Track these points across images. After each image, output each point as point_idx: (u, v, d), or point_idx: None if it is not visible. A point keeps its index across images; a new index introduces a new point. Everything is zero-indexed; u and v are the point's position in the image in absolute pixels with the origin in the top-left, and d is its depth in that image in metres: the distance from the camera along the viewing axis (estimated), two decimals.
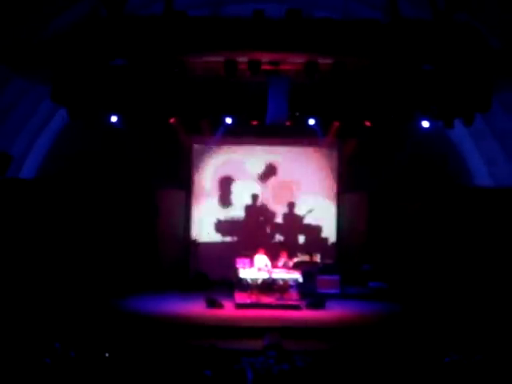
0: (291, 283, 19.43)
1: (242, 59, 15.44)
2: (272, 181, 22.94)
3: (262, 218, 22.94)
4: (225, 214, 22.99)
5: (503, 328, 15.81)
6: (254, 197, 22.91)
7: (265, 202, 22.96)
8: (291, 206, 22.93)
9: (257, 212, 22.97)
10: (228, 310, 18.46)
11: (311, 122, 19.13)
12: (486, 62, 14.98)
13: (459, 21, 14.77)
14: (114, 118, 18.19)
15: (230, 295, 19.49)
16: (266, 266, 19.43)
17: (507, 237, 19.15)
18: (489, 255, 19.53)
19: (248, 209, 22.98)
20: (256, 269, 19.34)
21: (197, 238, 22.77)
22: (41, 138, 19.63)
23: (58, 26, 15.09)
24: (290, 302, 18.93)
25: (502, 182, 19.50)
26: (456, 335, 15.33)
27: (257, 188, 22.96)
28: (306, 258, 20.96)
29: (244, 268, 19.52)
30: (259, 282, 19.28)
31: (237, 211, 23.03)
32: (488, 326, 16.16)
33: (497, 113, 17.44)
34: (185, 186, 22.95)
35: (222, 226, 22.98)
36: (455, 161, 21.09)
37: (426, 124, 18.01)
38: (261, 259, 19.55)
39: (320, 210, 22.94)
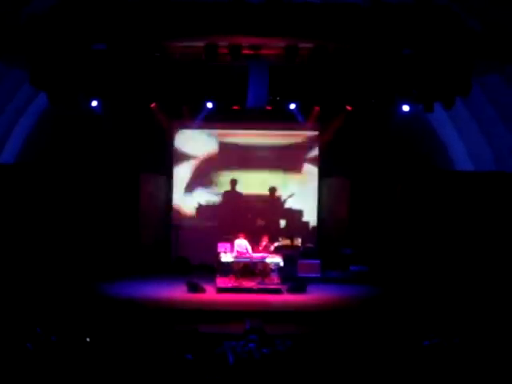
0: (272, 267, 19.51)
1: (223, 43, 15.40)
2: (252, 165, 22.89)
3: (242, 203, 22.91)
4: (206, 199, 22.96)
5: (482, 311, 15.93)
6: (235, 181, 22.87)
7: (245, 186, 22.92)
8: (272, 190, 22.93)
9: (237, 197, 22.95)
10: (209, 295, 18.51)
11: (292, 106, 19.22)
12: (465, 46, 15.02)
13: (439, 4, 14.80)
14: (94, 103, 18.16)
15: (212, 279, 19.53)
16: (247, 250, 19.45)
17: (487, 220, 19.25)
18: (469, 239, 19.63)
19: (228, 194, 22.96)
20: (236, 253, 19.37)
21: (178, 222, 22.74)
22: (20, 123, 19.48)
23: (36, 9, 14.93)
24: (271, 286, 19.00)
25: (482, 166, 19.58)
26: (435, 318, 15.43)
27: (237, 173, 22.91)
28: (287, 242, 21.00)
29: (225, 252, 19.56)
30: (240, 266, 19.34)
31: (218, 196, 23.00)
32: (467, 308, 16.28)
33: (477, 96, 17.48)
34: (166, 171, 22.90)
35: (202, 211, 22.95)
36: (436, 146, 21.13)
37: (406, 108, 18.07)
38: (241, 243, 19.57)
39: (301, 194, 22.96)
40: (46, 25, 14.65)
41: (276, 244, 20.40)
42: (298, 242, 21.20)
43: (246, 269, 19.49)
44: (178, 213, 22.91)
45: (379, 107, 18.13)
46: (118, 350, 10.96)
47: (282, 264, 19.45)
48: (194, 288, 18.56)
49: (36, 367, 10.09)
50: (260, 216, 22.88)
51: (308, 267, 20.73)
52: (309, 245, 21.67)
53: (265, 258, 19.43)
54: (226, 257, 19.38)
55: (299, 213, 23.03)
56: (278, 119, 21.35)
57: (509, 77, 16.90)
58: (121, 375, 10.00)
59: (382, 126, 21.20)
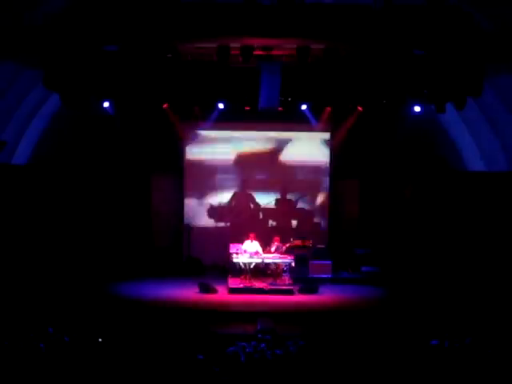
0: (284, 268, 19.52)
1: (235, 45, 15.43)
2: (265, 166, 22.91)
3: (253, 204, 22.94)
4: (218, 200, 22.99)
5: (495, 311, 15.91)
6: (247, 182, 22.90)
7: (258, 187, 22.93)
8: (284, 191, 22.94)
9: (249, 197, 22.97)
10: (221, 295, 18.54)
11: (303, 107, 19.27)
12: (477, 46, 14.99)
13: (451, 5, 14.78)
14: (106, 104, 18.23)
15: (223, 280, 19.58)
16: (257, 251, 19.46)
17: (499, 221, 19.21)
18: (481, 239, 19.60)
19: (240, 195, 22.98)
20: (247, 254, 19.38)
21: (190, 223, 22.77)
22: (34, 123, 19.56)
23: (49, 10, 15.00)
24: (282, 287, 19.02)
25: (495, 166, 19.54)
26: (447, 318, 15.42)
27: (249, 173, 22.94)
28: (298, 242, 20.99)
29: (237, 253, 19.56)
30: (252, 266, 19.36)
31: (229, 197, 23.03)
32: (479, 309, 16.26)
33: (489, 97, 17.46)
34: (178, 172, 22.93)
35: (214, 212, 22.98)
36: (447, 146, 21.11)
37: (417, 109, 18.07)
38: (251, 244, 19.58)
39: (313, 195, 22.96)
40: (59, 26, 14.70)
41: (288, 245, 20.39)
42: (310, 242, 21.19)
43: (258, 269, 19.52)
44: (190, 214, 22.93)
45: (391, 108, 18.14)
46: (131, 350, 11.01)
47: (293, 265, 19.47)
48: (206, 288, 18.59)
49: (48, 367, 10.15)
50: (271, 217, 22.89)
51: (319, 268, 20.74)
52: (320, 245, 21.67)
53: (276, 258, 19.44)
54: (238, 257, 19.38)
55: (311, 213, 23.04)
56: (289, 120, 21.36)
57: None
58: (133, 375, 10.05)
59: (393, 127, 21.20)
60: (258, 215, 22.89)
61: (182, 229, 22.71)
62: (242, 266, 19.37)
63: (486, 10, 15.53)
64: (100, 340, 11.61)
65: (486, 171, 19.95)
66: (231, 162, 22.94)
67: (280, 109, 18.35)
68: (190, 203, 22.97)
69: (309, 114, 20.40)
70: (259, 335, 12.39)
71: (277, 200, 22.92)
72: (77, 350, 10.78)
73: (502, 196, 19.21)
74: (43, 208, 20.47)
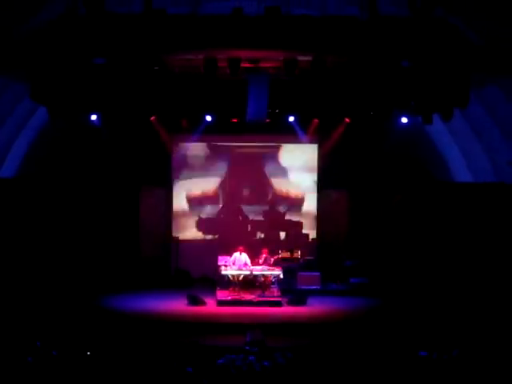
0: (272, 280, 19.50)
1: (222, 57, 15.45)
2: (253, 178, 22.92)
3: (241, 216, 22.94)
4: (206, 212, 22.97)
5: (482, 322, 15.93)
6: (235, 194, 22.90)
7: (245, 199, 22.95)
8: (272, 202, 22.95)
9: (237, 210, 22.97)
10: (210, 307, 18.50)
11: (291, 119, 19.28)
12: (463, 58, 15.08)
13: (437, 17, 14.85)
14: (93, 117, 18.22)
15: (212, 292, 19.55)
16: (246, 263, 19.45)
17: (486, 231, 19.27)
18: (468, 249, 19.65)
19: (228, 207, 22.98)
20: (236, 266, 19.37)
21: (178, 235, 22.75)
22: (21, 136, 19.53)
23: (36, 24, 15.01)
24: (271, 299, 18.98)
25: (481, 177, 19.62)
26: (435, 330, 15.43)
27: (238, 185, 22.95)
28: (286, 254, 21.02)
29: (225, 265, 19.55)
30: (240, 279, 19.34)
31: (217, 209, 23.02)
32: (467, 320, 16.28)
33: (476, 109, 17.54)
34: (166, 184, 22.92)
35: (203, 224, 22.96)
36: (435, 157, 21.18)
37: (404, 120, 18.13)
38: (240, 257, 19.55)
39: (301, 206, 22.98)
40: (46, 40, 14.70)
41: (276, 257, 20.39)
42: (298, 254, 21.24)
43: (246, 281, 19.49)
44: (178, 226, 22.91)
45: (378, 119, 18.19)
46: (119, 363, 10.97)
47: (281, 276, 19.46)
48: (195, 301, 18.56)
49: (37, 381, 10.11)
50: (260, 229, 22.88)
51: (308, 279, 20.73)
52: (309, 257, 21.68)
53: (265, 270, 19.43)
54: (226, 270, 19.37)
55: (299, 225, 23.03)
56: (277, 132, 21.37)
57: (507, 89, 16.97)
58: None
59: (381, 138, 21.24)
60: (247, 227, 22.88)
61: (170, 241, 22.67)
62: (231, 278, 19.35)
63: (471, 23, 15.63)
64: (88, 353, 11.57)
65: (472, 182, 20.03)
66: (220, 174, 22.90)
67: (268, 121, 18.39)
68: (179, 215, 22.94)
69: (296, 126, 20.45)
70: (248, 347, 12.38)
71: (264, 212, 22.92)
72: (65, 364, 10.74)
73: (489, 207, 19.28)
74: (31, 221, 20.40)
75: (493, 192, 19.08)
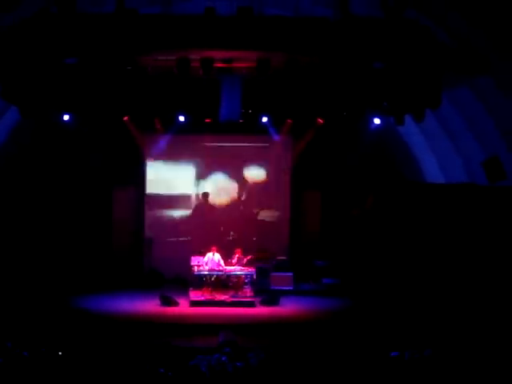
0: (245, 280, 19.51)
1: (195, 57, 15.44)
2: (225, 178, 22.91)
3: (214, 216, 22.91)
4: (178, 213, 22.93)
5: (454, 322, 16.03)
6: (207, 194, 22.87)
7: (218, 199, 22.94)
8: (245, 203, 22.95)
9: (210, 209, 22.95)
10: (182, 308, 18.49)
11: (264, 119, 19.28)
12: (435, 59, 15.17)
13: (409, 18, 14.93)
14: (66, 117, 18.12)
15: (185, 293, 19.51)
16: (219, 263, 19.44)
17: (457, 232, 19.37)
18: (439, 250, 19.74)
19: (201, 206, 22.95)
20: (209, 266, 19.35)
21: (151, 235, 22.69)
22: None
23: (8, 23, 14.90)
24: (244, 299, 19.00)
25: (453, 178, 19.72)
26: (407, 330, 15.50)
27: (210, 186, 22.92)
28: (259, 254, 21.04)
29: (198, 265, 19.54)
30: (213, 279, 19.32)
31: (190, 209, 22.99)
32: (438, 320, 16.37)
33: (447, 109, 17.63)
34: (139, 184, 22.87)
35: (175, 224, 22.92)
36: (407, 158, 21.26)
37: (377, 121, 18.21)
38: (213, 257, 19.54)
39: (274, 207, 23.01)
40: (18, 38, 14.61)
41: (249, 257, 20.40)
42: (271, 254, 21.26)
43: (219, 282, 19.48)
44: (151, 226, 22.86)
45: (351, 120, 18.24)
46: (91, 364, 10.92)
47: (254, 277, 19.48)
48: (167, 301, 18.52)
49: (7, 382, 10.04)
50: (233, 229, 22.86)
51: (281, 280, 20.76)
52: (281, 257, 21.71)
53: (238, 270, 19.44)
54: (200, 270, 19.35)
55: (272, 225, 23.05)
56: (250, 132, 21.40)
57: (478, 90, 17.06)
58: None
59: (354, 139, 21.28)
60: (220, 228, 22.86)
61: (143, 241, 22.62)
62: (204, 279, 19.33)
63: (443, 24, 15.72)
64: (60, 353, 11.51)
65: (444, 183, 20.12)
66: (192, 174, 22.87)
67: (241, 121, 18.40)
68: (151, 216, 22.89)
69: (270, 126, 20.46)
70: (221, 348, 12.37)
71: (238, 212, 22.91)
72: (37, 365, 10.67)
73: (461, 207, 19.38)
74: (2, 221, 20.25)
75: (464, 193, 19.17)
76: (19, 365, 10.59)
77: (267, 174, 22.98)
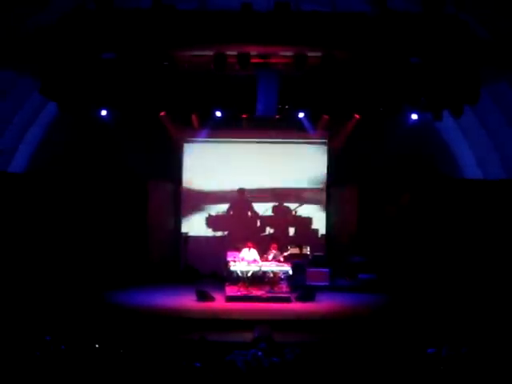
0: (281, 276, 19.52)
1: (232, 52, 15.45)
2: (262, 174, 22.91)
3: (250, 212, 22.94)
4: (215, 208, 22.98)
5: (491, 320, 15.89)
6: (243, 191, 22.89)
7: (254, 195, 22.94)
8: (281, 198, 22.93)
9: (246, 205, 22.97)
10: (218, 303, 18.52)
11: (301, 115, 19.23)
12: (474, 54, 15.03)
13: (447, 13, 14.81)
14: (103, 112, 18.21)
15: (221, 288, 19.56)
16: (255, 259, 19.45)
17: (496, 229, 19.22)
18: (478, 247, 19.60)
19: (237, 203, 22.98)
20: (245, 262, 19.37)
21: (187, 231, 22.77)
22: (31, 131, 19.54)
23: (46, 19, 15.02)
24: (279, 295, 19.00)
25: (492, 174, 19.56)
26: (444, 327, 15.41)
27: (246, 181, 22.93)
28: (296, 250, 21.02)
29: (234, 261, 19.55)
30: (249, 274, 19.34)
31: (226, 205, 23.02)
32: (476, 318, 16.24)
33: (486, 105, 17.47)
34: (175, 180, 22.96)
35: (212, 220, 22.97)
36: (445, 154, 21.11)
37: (414, 116, 18.08)
38: (249, 253, 19.56)
39: (310, 202, 22.96)
40: (56, 35, 14.72)
41: (285, 253, 20.39)
42: (307, 250, 21.23)
43: (255, 277, 19.49)
44: (188, 222, 22.93)
45: (387, 115, 18.12)
46: (128, 358, 11.00)
47: (290, 272, 19.45)
48: (204, 296, 18.57)
49: (46, 375, 10.13)
50: (269, 224, 22.88)
51: (317, 275, 20.71)
52: (318, 253, 21.66)
53: (274, 266, 19.44)
54: (235, 265, 19.37)
55: (308, 221, 23.04)
56: (286, 128, 21.40)
57: None
58: (130, 383, 10.04)
59: (391, 134, 21.13)
60: (256, 223, 22.88)
61: (179, 238, 22.69)
62: (240, 274, 19.35)
63: (481, 18, 15.58)
64: (97, 346, 11.60)
65: (482, 179, 19.96)
66: (229, 170, 22.90)
67: (277, 116, 18.38)
68: (188, 212, 22.96)
69: (306, 122, 20.42)
70: (256, 343, 12.38)
71: (274, 208, 22.92)
72: (74, 359, 10.76)
73: (499, 204, 19.22)
74: (40, 216, 20.42)
75: (503, 189, 19.01)
76: (57, 358, 10.70)
77: (304, 169, 22.91)
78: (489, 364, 10.62)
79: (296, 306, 18.38)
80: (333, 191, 22.96)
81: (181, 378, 10.10)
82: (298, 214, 23.01)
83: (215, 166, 22.88)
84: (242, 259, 19.45)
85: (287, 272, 19.43)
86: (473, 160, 20.19)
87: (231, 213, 23.00)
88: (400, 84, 16.32)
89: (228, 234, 22.78)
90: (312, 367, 10.65)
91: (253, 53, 15.57)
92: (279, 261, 19.75)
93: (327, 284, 20.63)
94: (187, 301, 18.57)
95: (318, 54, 15.49)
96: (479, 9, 15.49)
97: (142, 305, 17.90)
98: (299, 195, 23.01)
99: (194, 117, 20.67)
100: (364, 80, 16.61)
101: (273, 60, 16.17)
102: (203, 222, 22.95)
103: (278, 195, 22.97)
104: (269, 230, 22.87)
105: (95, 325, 15.20)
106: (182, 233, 22.74)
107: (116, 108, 17.97)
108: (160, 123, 20.73)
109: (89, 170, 21.55)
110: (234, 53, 15.40)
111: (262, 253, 19.86)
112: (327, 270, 20.89)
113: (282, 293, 19.16)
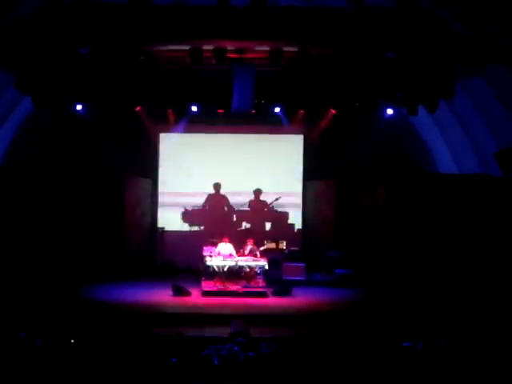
0: (257, 270, 19.49)
1: (208, 47, 15.45)
2: (238, 169, 22.91)
3: (226, 206, 22.96)
4: (190, 203, 22.96)
5: (468, 313, 15.99)
6: (219, 185, 22.90)
7: (230, 189, 22.94)
8: (257, 193, 22.95)
9: (222, 200, 22.98)
10: (195, 298, 18.48)
11: (277, 109, 19.27)
12: (448, 49, 15.13)
13: (422, 8, 14.88)
14: (79, 107, 18.15)
15: (197, 283, 19.51)
16: (231, 254, 19.46)
17: (471, 223, 19.34)
18: (453, 240, 19.70)
19: (213, 197, 22.98)
20: (221, 257, 19.36)
21: (163, 226, 22.75)
22: (6, 126, 19.43)
23: (21, 14, 14.94)
24: (256, 290, 18.98)
25: (466, 169, 19.67)
26: (421, 320, 15.48)
27: (222, 176, 22.93)
28: (272, 245, 21.03)
29: (210, 256, 19.52)
30: (225, 269, 19.32)
31: (202, 200, 23.02)
32: (453, 311, 16.34)
33: (461, 100, 17.58)
34: (151, 175, 22.93)
35: (188, 215, 22.95)
36: (420, 148, 21.22)
37: (390, 111, 18.17)
38: (225, 247, 19.56)
39: (286, 197, 22.99)
40: (31, 29, 14.66)
41: (261, 247, 20.41)
42: (284, 244, 21.23)
43: (232, 272, 19.46)
44: (163, 217, 22.90)
45: (363, 110, 18.19)
46: (104, 353, 10.97)
47: (267, 267, 19.44)
48: (180, 291, 18.54)
49: (21, 371, 10.10)
50: (245, 219, 22.89)
51: (293, 270, 20.72)
52: (294, 248, 21.68)
53: (250, 261, 19.45)
54: (211, 260, 19.35)
55: (284, 215, 23.07)
56: (262, 122, 21.42)
57: (491, 80, 17.01)
58: (106, 378, 10.01)
59: (366, 129, 21.20)
60: (232, 218, 22.89)
61: (155, 232, 22.66)
62: (216, 269, 19.32)
63: (456, 13, 15.66)
64: (72, 341, 11.56)
65: (457, 173, 20.07)
66: (205, 165, 22.89)
67: (253, 111, 18.38)
68: (164, 206, 22.94)
69: (282, 117, 20.44)
70: (233, 338, 12.39)
71: (250, 202, 22.93)
72: (49, 354, 10.73)
73: (474, 198, 19.34)
74: (15, 211, 20.29)
75: (478, 184, 19.13)
76: (33, 354, 10.66)
77: (279, 164, 22.94)
78: (466, 356, 10.68)
79: (272, 301, 18.38)
80: (309, 186, 23.02)
81: (157, 373, 10.10)
82: (274, 208, 23.02)
83: (191, 160, 22.88)
84: (218, 254, 19.44)
85: (263, 267, 19.42)
86: (448, 154, 20.31)
87: (207, 207, 22.99)
88: (376, 79, 16.42)
89: (204, 228, 22.77)
90: (288, 361, 10.67)
91: (229, 48, 15.59)
92: (255, 255, 19.74)
93: (303, 279, 20.65)
94: (163, 296, 18.52)
95: (294, 49, 15.54)
96: (454, 4, 15.58)
97: (118, 300, 17.83)
98: (275, 190, 23.00)
99: (170, 112, 20.67)
100: (340, 75, 16.70)
101: (249, 55, 16.21)
102: (179, 216, 22.92)
103: (254, 190, 22.96)
104: (245, 225, 22.88)
105: (71, 320, 15.12)
106: (158, 228, 22.71)
107: (92, 103, 17.94)
108: (136, 118, 20.68)
109: (65, 164, 21.42)
110: (211, 47, 15.41)
111: (239, 247, 19.85)
112: (303, 264, 20.90)
113: (259, 287, 19.15)
